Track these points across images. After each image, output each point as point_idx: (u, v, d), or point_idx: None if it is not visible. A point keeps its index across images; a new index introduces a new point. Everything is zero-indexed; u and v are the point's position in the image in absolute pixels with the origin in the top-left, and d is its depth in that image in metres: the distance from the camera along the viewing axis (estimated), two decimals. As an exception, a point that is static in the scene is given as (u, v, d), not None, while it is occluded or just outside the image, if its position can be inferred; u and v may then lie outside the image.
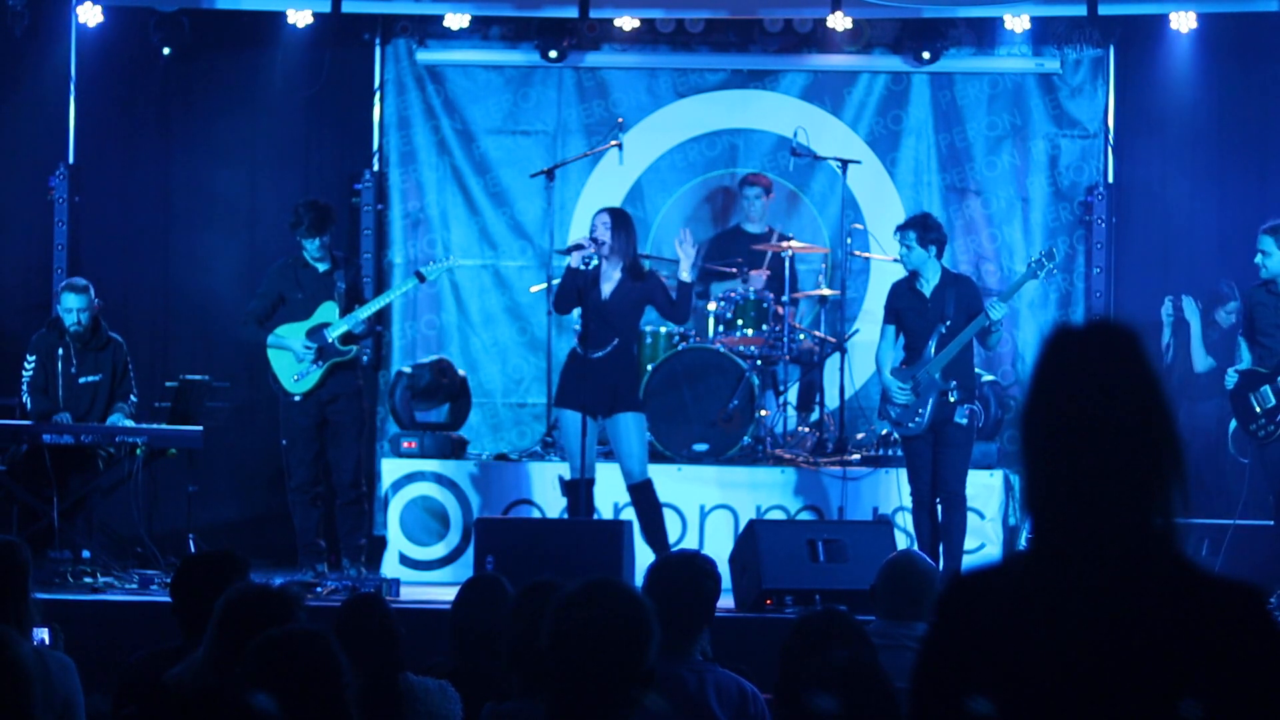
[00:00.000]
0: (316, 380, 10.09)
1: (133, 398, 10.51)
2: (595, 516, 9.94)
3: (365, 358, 10.59)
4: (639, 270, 9.79)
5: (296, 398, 10.12)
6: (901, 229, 9.65)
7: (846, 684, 4.04)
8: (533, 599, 4.60)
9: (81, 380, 10.41)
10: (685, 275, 9.63)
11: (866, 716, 3.94)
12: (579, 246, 9.72)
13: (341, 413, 10.18)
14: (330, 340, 10.07)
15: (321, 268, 10.14)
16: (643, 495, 9.77)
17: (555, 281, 11.59)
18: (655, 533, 9.75)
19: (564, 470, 10.11)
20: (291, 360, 10.10)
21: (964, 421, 9.51)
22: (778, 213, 12.25)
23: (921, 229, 9.56)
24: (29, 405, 10.38)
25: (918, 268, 9.58)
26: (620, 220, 9.79)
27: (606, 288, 9.74)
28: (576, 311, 9.91)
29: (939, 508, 9.55)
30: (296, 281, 10.16)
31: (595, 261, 9.68)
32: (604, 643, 3.31)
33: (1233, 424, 10.15)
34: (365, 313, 10.11)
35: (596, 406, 9.66)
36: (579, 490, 9.69)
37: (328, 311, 10.10)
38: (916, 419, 9.52)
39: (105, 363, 10.46)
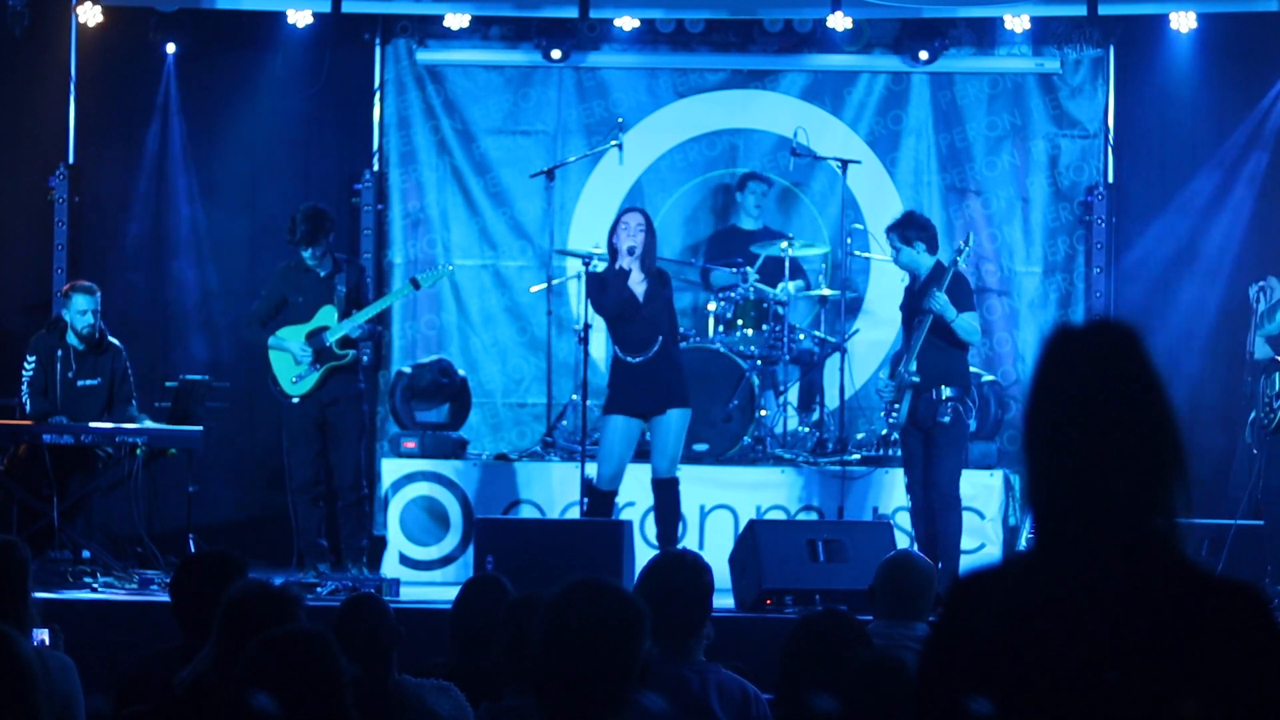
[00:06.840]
0: (314, 383, 10.19)
1: (133, 404, 10.51)
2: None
3: (365, 358, 10.64)
4: (662, 275, 9.81)
5: (295, 399, 10.20)
6: (887, 232, 9.73)
7: (866, 682, 4.04)
8: (522, 614, 4.58)
9: (80, 384, 10.39)
10: None
11: (889, 713, 3.94)
12: (627, 251, 9.59)
13: (342, 415, 10.25)
14: (329, 344, 10.14)
15: (323, 271, 10.22)
16: (665, 492, 9.73)
17: (555, 281, 11.61)
18: (667, 531, 9.74)
19: (580, 470, 10.02)
20: (290, 362, 10.21)
21: (946, 420, 9.52)
22: (777, 212, 12.25)
23: (901, 229, 9.62)
24: (28, 407, 10.37)
25: (908, 267, 9.66)
26: (650, 222, 9.81)
27: (639, 290, 9.70)
28: (578, 315, 9.91)
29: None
30: (298, 285, 10.27)
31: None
32: (594, 642, 3.30)
33: (1251, 414, 10.11)
34: (362, 318, 10.19)
35: (649, 407, 9.64)
36: (601, 499, 9.68)
37: (327, 315, 10.20)
38: (895, 412, 9.59)
39: (104, 367, 10.45)
